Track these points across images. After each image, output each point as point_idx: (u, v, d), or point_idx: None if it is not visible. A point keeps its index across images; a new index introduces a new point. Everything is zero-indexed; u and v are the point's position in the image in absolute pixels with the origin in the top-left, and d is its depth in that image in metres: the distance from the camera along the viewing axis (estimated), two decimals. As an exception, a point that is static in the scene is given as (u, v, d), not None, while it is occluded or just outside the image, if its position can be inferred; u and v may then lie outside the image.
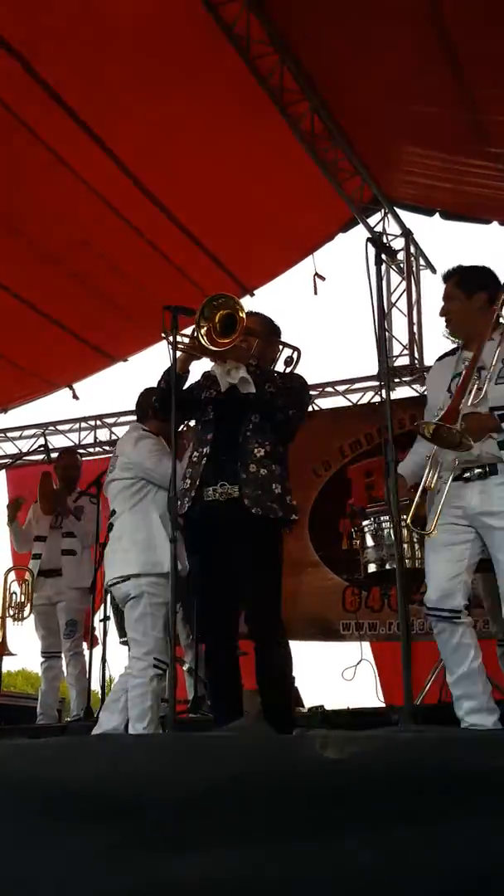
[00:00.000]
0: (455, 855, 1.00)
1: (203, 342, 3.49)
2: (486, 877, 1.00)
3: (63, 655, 6.00)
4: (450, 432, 3.15)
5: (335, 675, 5.76)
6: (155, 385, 3.77)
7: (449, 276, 3.59)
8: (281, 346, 3.96)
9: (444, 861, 1.00)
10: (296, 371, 3.96)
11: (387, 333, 7.38)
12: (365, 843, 1.03)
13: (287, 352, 3.98)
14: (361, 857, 1.02)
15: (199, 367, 3.80)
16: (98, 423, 9.05)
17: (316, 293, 7.38)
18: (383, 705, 5.32)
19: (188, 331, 3.67)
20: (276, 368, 3.92)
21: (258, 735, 1.55)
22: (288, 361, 3.96)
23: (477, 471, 3.27)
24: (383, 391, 3.20)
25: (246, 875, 1.05)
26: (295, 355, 3.98)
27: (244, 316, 3.48)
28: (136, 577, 4.04)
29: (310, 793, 1.11)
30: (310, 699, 5.73)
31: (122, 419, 8.98)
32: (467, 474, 3.28)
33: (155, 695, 3.92)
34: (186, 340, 3.64)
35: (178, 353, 3.63)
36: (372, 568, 5.20)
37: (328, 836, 1.06)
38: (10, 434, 9.48)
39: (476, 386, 3.27)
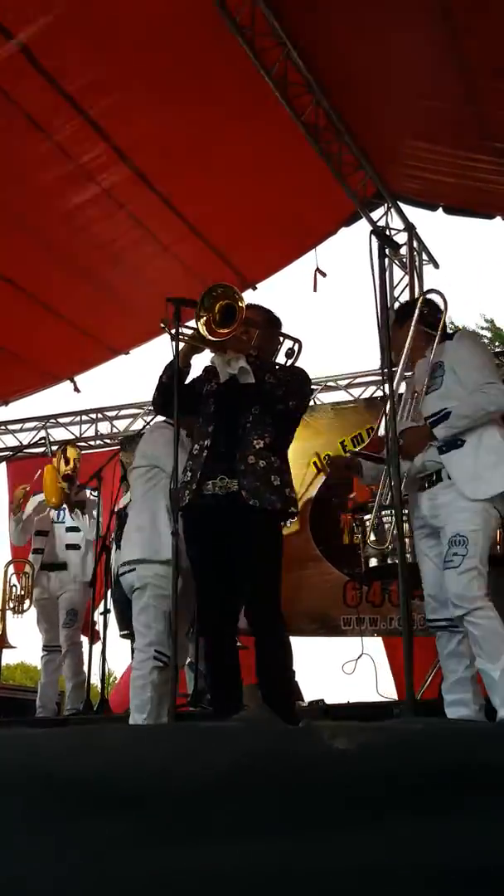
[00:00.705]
0: (464, 848, 1.00)
1: (203, 332, 3.50)
2: (495, 870, 0.99)
3: (61, 646, 6.00)
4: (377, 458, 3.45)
5: (335, 669, 5.77)
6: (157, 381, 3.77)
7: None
8: (282, 338, 3.96)
9: (452, 853, 0.99)
10: (297, 363, 3.96)
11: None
12: (373, 834, 1.02)
13: (288, 343, 3.98)
14: (369, 848, 1.01)
15: (201, 363, 3.81)
16: (99, 416, 9.04)
17: (315, 290, 7.37)
18: (384, 699, 5.32)
19: (190, 323, 3.68)
20: (278, 360, 3.92)
21: (265, 724, 1.54)
22: (289, 353, 3.96)
23: (426, 480, 3.47)
24: (385, 386, 3.19)
25: (253, 866, 1.04)
26: (296, 347, 3.98)
27: (243, 306, 3.49)
28: (140, 566, 4.04)
29: (318, 783, 1.11)
30: (310, 693, 5.74)
31: (124, 412, 8.97)
32: (422, 484, 3.48)
33: (154, 686, 3.91)
34: (188, 333, 3.64)
35: (181, 347, 3.63)
36: (373, 562, 5.20)
37: (336, 827, 1.05)
38: (10, 427, 9.47)
39: (412, 406, 3.53)
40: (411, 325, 3.63)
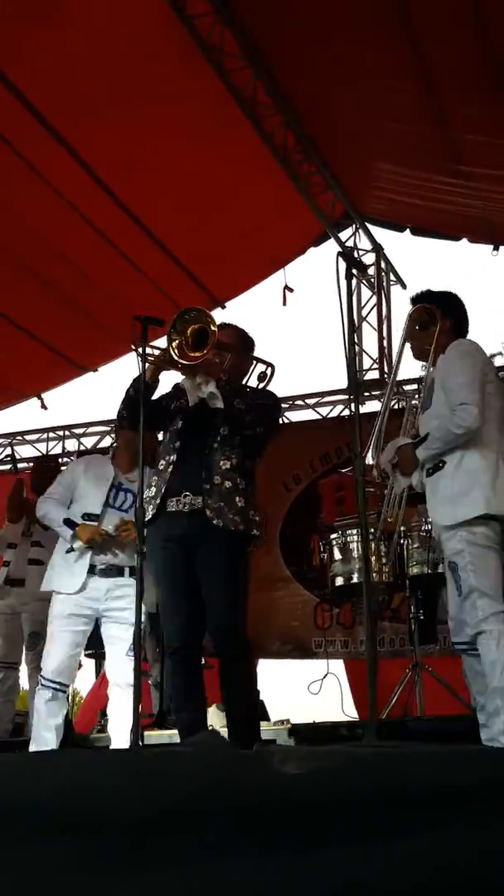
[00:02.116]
0: (411, 874, 0.99)
1: (174, 355, 3.48)
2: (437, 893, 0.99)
3: (25, 666, 5.93)
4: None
5: (301, 688, 5.75)
6: (124, 394, 3.75)
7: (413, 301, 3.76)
8: (254, 361, 3.95)
9: (399, 879, 0.99)
10: (268, 387, 3.96)
11: (357, 347, 7.41)
12: (321, 860, 1.01)
13: (261, 367, 3.97)
14: (317, 874, 1.00)
15: (170, 378, 3.79)
16: (66, 433, 8.99)
17: (285, 304, 7.41)
18: (351, 719, 5.31)
19: (160, 342, 3.66)
20: (250, 383, 3.91)
21: (216, 750, 1.53)
22: (261, 377, 3.95)
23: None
24: (353, 405, 3.20)
25: (200, 892, 1.03)
26: (269, 371, 3.97)
27: (216, 330, 3.47)
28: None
29: (267, 809, 1.09)
30: (276, 713, 5.71)
31: (91, 429, 8.93)
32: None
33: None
34: (157, 352, 3.62)
35: (148, 364, 3.61)
36: (339, 581, 5.20)
37: (284, 852, 1.04)
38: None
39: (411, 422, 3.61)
40: (436, 330, 3.59)
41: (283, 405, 7.40)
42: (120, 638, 4.13)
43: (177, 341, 3.48)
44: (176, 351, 3.47)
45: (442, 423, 3.32)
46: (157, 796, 1.14)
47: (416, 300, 3.70)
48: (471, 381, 3.31)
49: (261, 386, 3.92)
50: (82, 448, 8.81)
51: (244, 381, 3.87)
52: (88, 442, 8.87)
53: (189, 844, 1.07)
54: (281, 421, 7.35)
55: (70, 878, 1.06)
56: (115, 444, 4.84)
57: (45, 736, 4.07)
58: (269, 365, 3.95)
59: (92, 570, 4.17)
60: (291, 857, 1.03)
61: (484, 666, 3.11)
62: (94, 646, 5.87)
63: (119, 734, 4.03)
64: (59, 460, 7.53)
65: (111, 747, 4.12)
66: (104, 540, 4.16)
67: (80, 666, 4.65)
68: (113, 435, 8.74)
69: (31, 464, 6.89)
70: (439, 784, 1.06)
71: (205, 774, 1.19)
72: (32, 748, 4.09)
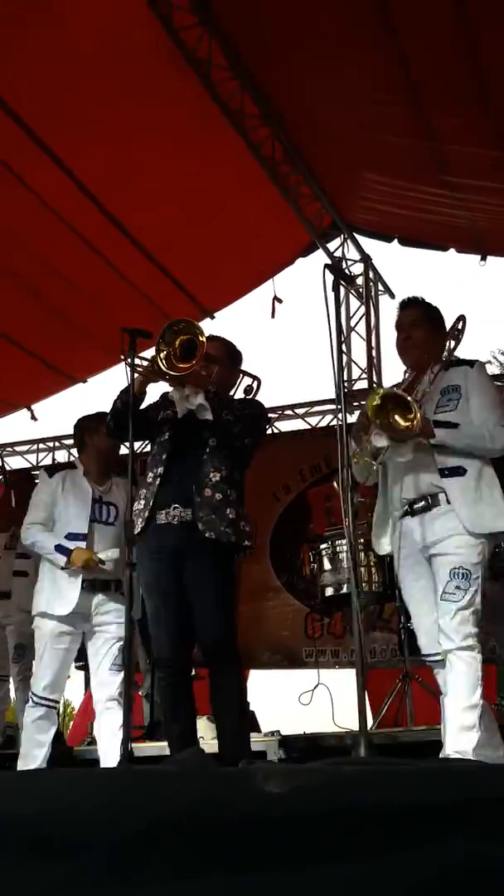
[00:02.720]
0: (391, 890, 0.99)
1: (162, 366, 3.49)
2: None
3: (12, 680, 5.91)
4: (405, 403, 3.23)
5: (292, 699, 5.74)
6: (110, 406, 3.75)
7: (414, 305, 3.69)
8: (241, 375, 3.97)
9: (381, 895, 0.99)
10: (255, 399, 3.97)
11: (345, 357, 7.43)
12: (303, 878, 1.01)
13: (247, 380, 3.99)
14: (300, 892, 1.00)
15: (157, 389, 3.79)
16: (56, 444, 8.98)
17: (273, 316, 7.43)
18: (342, 730, 5.30)
19: (149, 353, 3.66)
20: (236, 397, 3.92)
21: (200, 768, 1.53)
22: (248, 390, 3.97)
23: (421, 504, 3.35)
24: (341, 415, 3.20)
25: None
26: (255, 385, 3.98)
27: (204, 341, 3.48)
28: None
29: (250, 827, 1.09)
30: (266, 724, 5.69)
31: (81, 440, 8.90)
32: (415, 506, 3.36)
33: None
34: (146, 363, 3.62)
35: (136, 376, 3.62)
36: (329, 591, 5.20)
37: (267, 870, 1.04)
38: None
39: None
40: (445, 335, 3.61)
41: (272, 415, 7.42)
42: (105, 653, 4.12)
43: (165, 352, 3.48)
44: (164, 362, 3.48)
45: (479, 431, 3.30)
46: (140, 815, 1.14)
47: (419, 303, 3.66)
48: (501, 403, 3.43)
49: (248, 398, 3.94)
50: (72, 459, 8.79)
51: (231, 394, 3.88)
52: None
53: (172, 863, 1.07)
54: (270, 431, 7.38)
55: (63, 894, 1.06)
56: (75, 459, 4.76)
57: (34, 753, 4.06)
58: (255, 378, 3.96)
59: (80, 585, 4.14)
60: (274, 875, 1.03)
61: (457, 681, 3.09)
62: (85, 658, 5.87)
63: (106, 753, 4.00)
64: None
65: (100, 765, 4.09)
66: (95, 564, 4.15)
67: (69, 677, 4.63)
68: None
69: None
70: (424, 801, 1.06)
71: (188, 793, 1.19)
72: (20, 765, 4.07)
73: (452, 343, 3.61)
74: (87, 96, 5.53)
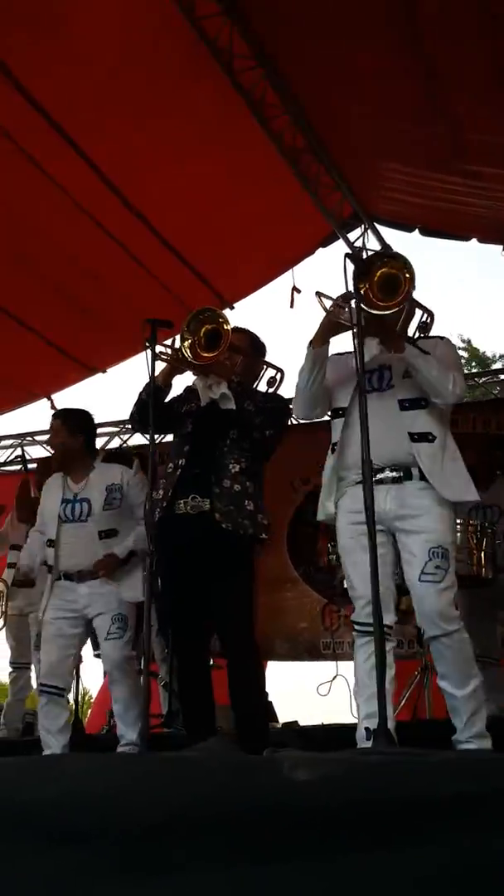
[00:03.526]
0: (419, 880, 0.99)
1: (187, 355, 3.50)
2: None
3: (33, 668, 5.95)
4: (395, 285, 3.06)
5: (310, 690, 5.75)
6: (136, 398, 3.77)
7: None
8: (265, 366, 3.97)
9: (411, 887, 0.98)
10: (278, 392, 3.97)
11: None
12: (333, 866, 1.01)
13: (271, 372, 3.99)
14: (329, 880, 1.00)
15: (182, 381, 3.81)
16: (76, 433, 8.98)
17: (292, 306, 7.40)
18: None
19: (171, 342, 3.68)
20: (259, 388, 3.92)
21: (225, 756, 1.53)
22: (271, 382, 3.97)
23: (391, 475, 3.17)
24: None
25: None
26: (278, 377, 3.99)
27: (229, 330, 3.50)
28: None
29: (276, 816, 1.09)
30: (284, 715, 5.71)
31: (101, 430, 8.92)
32: (380, 476, 3.14)
33: None
34: (169, 352, 3.64)
35: (163, 367, 3.64)
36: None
37: (295, 859, 1.04)
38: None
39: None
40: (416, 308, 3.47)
41: (291, 407, 7.39)
42: (105, 629, 4.11)
43: (189, 341, 3.50)
44: (188, 351, 3.50)
45: (446, 371, 3.20)
46: (164, 802, 1.14)
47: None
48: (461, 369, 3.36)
49: (270, 391, 3.94)
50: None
51: (254, 386, 3.88)
52: (98, 442, 8.87)
53: (197, 851, 1.07)
54: (289, 422, 7.35)
55: (77, 885, 1.06)
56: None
57: (46, 740, 4.08)
58: (278, 370, 3.97)
59: (70, 577, 4.17)
60: (300, 864, 1.03)
61: (455, 666, 3.03)
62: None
63: (121, 730, 4.08)
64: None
65: (120, 742, 4.12)
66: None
67: (80, 661, 4.64)
68: (123, 436, 8.80)
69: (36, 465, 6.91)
70: (450, 791, 1.06)
71: (213, 780, 1.19)
72: (45, 751, 4.11)
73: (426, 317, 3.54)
74: (110, 87, 5.53)
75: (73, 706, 6.78)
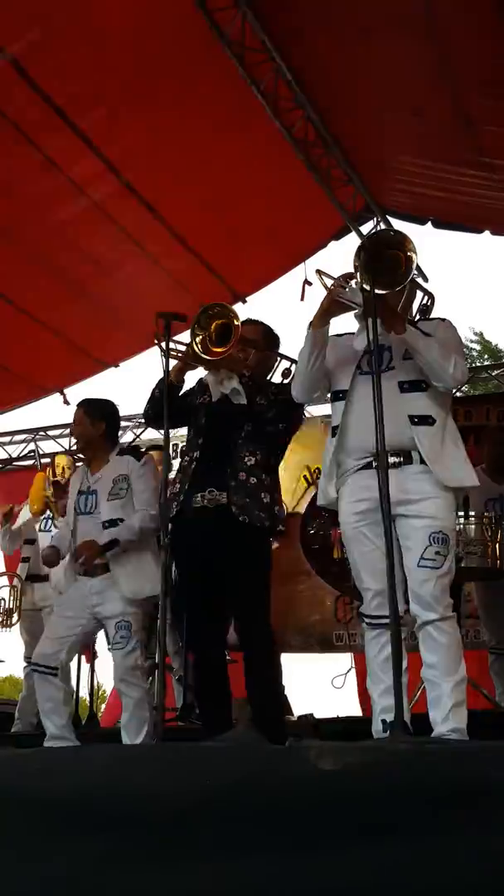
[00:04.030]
0: (453, 867, 0.99)
1: (197, 350, 3.50)
2: (477, 889, 0.98)
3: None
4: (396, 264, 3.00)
5: (324, 683, 5.75)
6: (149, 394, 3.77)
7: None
8: (279, 358, 3.95)
9: (441, 873, 0.99)
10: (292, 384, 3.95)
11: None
12: (360, 855, 1.01)
13: (285, 363, 3.97)
14: (357, 868, 1.00)
15: (194, 376, 3.81)
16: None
17: (303, 299, 7.38)
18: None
19: (183, 337, 3.67)
20: (274, 380, 3.91)
21: (251, 746, 1.53)
22: (285, 374, 3.95)
23: (392, 459, 3.05)
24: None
25: (238, 886, 1.03)
26: (293, 368, 3.96)
27: (239, 325, 3.49)
28: None
29: (303, 804, 1.10)
30: (299, 708, 5.71)
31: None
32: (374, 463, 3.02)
33: None
34: (181, 347, 3.64)
35: (175, 363, 3.63)
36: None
37: (322, 848, 1.04)
38: (0, 439, 9.44)
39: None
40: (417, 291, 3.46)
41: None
42: (118, 646, 4.05)
43: (200, 336, 3.50)
44: (199, 346, 3.49)
45: (447, 354, 3.14)
46: (193, 791, 1.15)
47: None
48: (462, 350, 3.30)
49: (285, 382, 3.92)
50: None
51: (268, 378, 3.87)
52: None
53: (222, 840, 1.08)
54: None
55: (111, 869, 1.07)
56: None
57: (44, 723, 4.05)
58: (293, 362, 3.95)
59: (84, 572, 4.14)
60: (329, 852, 1.03)
61: (446, 654, 2.97)
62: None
63: (126, 735, 4.02)
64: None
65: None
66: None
67: (79, 651, 4.62)
68: (136, 430, 8.81)
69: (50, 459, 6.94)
70: (480, 779, 1.06)
71: (241, 770, 1.19)
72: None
73: (427, 299, 3.52)
74: (121, 78, 5.53)
75: (87, 700, 6.81)
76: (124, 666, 4.02)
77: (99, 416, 4.33)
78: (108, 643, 4.13)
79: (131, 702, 4.02)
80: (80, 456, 4.75)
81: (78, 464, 4.74)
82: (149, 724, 3.94)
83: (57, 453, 7.84)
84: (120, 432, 8.72)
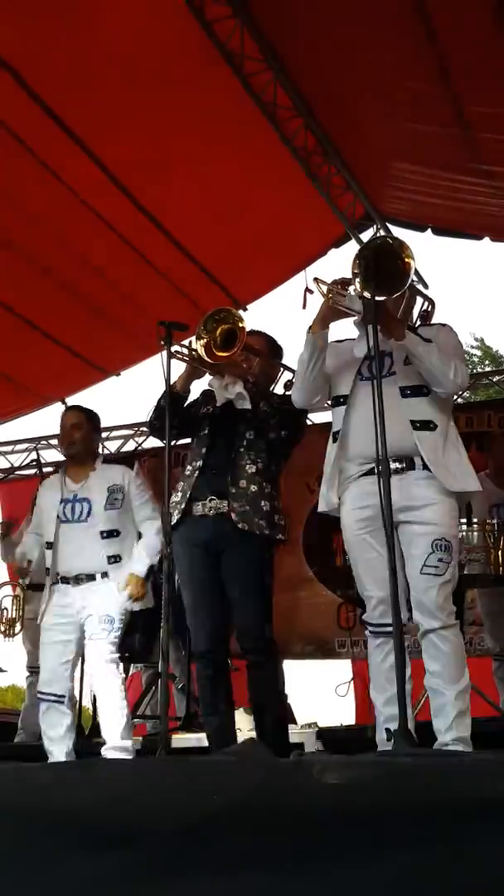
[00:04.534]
0: (451, 883, 0.99)
1: (202, 354, 3.52)
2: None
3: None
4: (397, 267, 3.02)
5: (328, 691, 5.75)
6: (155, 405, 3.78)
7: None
8: (282, 369, 3.97)
9: (441, 888, 0.98)
10: None
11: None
12: (367, 868, 1.01)
13: (288, 375, 3.98)
14: (363, 882, 1.00)
15: (200, 386, 3.83)
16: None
17: (305, 307, 7.39)
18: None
19: (188, 341, 3.70)
20: (277, 391, 3.92)
21: (258, 759, 1.53)
22: (287, 385, 3.96)
23: (394, 465, 3.06)
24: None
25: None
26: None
27: (244, 327, 3.51)
28: None
29: (308, 818, 1.10)
30: (303, 716, 5.71)
31: (115, 433, 8.95)
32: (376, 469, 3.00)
33: None
34: (185, 351, 3.66)
35: (181, 371, 3.66)
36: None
37: (327, 862, 1.04)
38: (1, 448, 9.45)
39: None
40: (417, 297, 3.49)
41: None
42: (99, 636, 4.09)
43: (205, 340, 3.52)
44: (203, 349, 3.51)
45: (447, 360, 3.14)
46: (201, 805, 1.14)
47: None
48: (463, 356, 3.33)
49: (288, 393, 3.93)
50: (106, 452, 8.84)
51: (271, 389, 3.89)
52: (112, 445, 8.90)
53: (232, 853, 1.07)
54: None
55: (119, 884, 1.07)
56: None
57: (49, 749, 4.09)
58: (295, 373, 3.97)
59: (66, 581, 4.17)
60: (333, 866, 1.03)
61: (449, 662, 2.96)
62: (121, 649, 5.91)
63: (107, 729, 4.06)
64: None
65: (104, 746, 4.11)
66: None
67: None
68: (137, 439, 8.82)
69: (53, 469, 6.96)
70: (487, 793, 1.06)
71: (248, 784, 1.19)
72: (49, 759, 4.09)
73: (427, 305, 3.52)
74: (121, 89, 5.54)
75: (90, 710, 6.80)
76: (103, 656, 4.06)
77: (96, 424, 4.46)
78: (87, 637, 4.13)
79: (107, 693, 4.06)
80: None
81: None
82: (127, 714, 4.03)
83: (59, 462, 7.85)
84: (121, 441, 8.80)
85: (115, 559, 4.18)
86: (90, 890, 1.07)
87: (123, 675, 4.22)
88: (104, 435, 8.91)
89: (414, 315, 3.46)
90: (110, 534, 4.15)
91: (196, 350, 3.56)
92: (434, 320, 3.50)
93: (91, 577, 4.15)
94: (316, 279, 3.32)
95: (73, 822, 1.14)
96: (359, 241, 7.42)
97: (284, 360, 3.99)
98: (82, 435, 4.36)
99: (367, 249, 3.16)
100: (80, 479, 4.28)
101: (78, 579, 4.15)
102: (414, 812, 1.05)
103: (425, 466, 3.11)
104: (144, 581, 4.14)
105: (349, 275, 3.16)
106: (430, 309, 3.50)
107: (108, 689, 4.09)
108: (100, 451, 4.63)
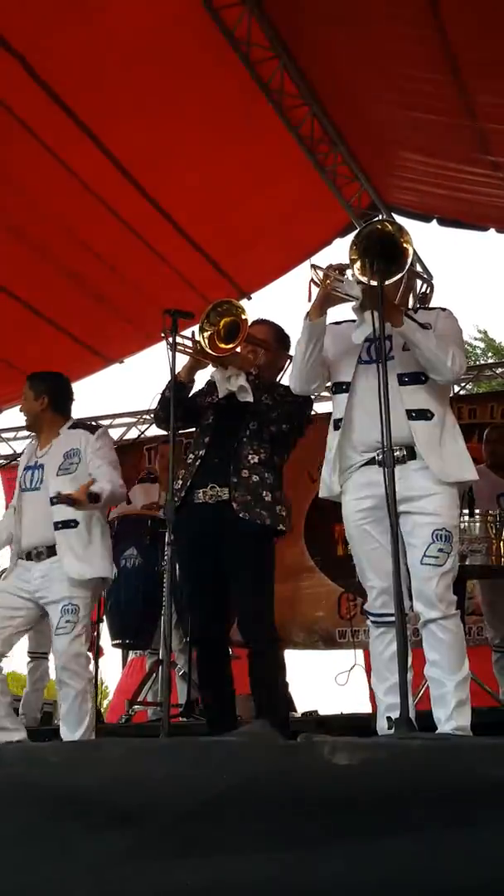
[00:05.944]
0: (462, 864, 1.00)
1: (204, 346, 3.52)
2: (492, 886, 0.99)
3: (51, 657, 5.98)
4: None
5: (328, 680, 5.76)
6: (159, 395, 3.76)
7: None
8: (289, 359, 3.95)
9: (456, 869, 0.99)
10: None
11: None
12: (372, 850, 1.02)
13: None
14: (372, 864, 1.01)
15: (205, 376, 3.82)
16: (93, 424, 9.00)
17: (310, 299, 7.38)
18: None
19: (190, 332, 3.69)
20: (283, 381, 3.90)
21: (266, 740, 1.53)
22: None
23: (395, 454, 3.00)
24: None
25: (252, 882, 1.04)
26: None
27: (247, 319, 3.50)
28: None
29: (318, 799, 1.11)
30: (303, 704, 5.73)
31: (118, 421, 8.95)
32: (383, 456, 2.97)
33: None
34: (188, 343, 3.65)
35: (182, 360, 3.65)
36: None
37: (335, 842, 1.05)
38: (3, 435, 9.45)
39: None
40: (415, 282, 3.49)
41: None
42: (63, 631, 3.79)
43: (208, 332, 3.51)
44: (206, 342, 3.51)
45: (445, 347, 3.11)
46: (209, 785, 1.15)
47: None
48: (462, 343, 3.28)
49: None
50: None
51: (278, 379, 3.87)
52: (115, 433, 8.89)
53: (240, 832, 1.08)
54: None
55: (127, 863, 1.07)
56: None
57: None
58: None
59: (29, 557, 3.90)
60: (345, 847, 1.04)
61: (449, 652, 2.95)
62: (122, 636, 5.94)
63: (67, 729, 3.77)
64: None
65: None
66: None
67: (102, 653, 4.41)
68: (140, 427, 8.82)
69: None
70: (490, 774, 1.07)
71: (255, 764, 1.20)
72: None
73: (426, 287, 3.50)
74: (127, 77, 5.53)
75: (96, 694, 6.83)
76: (69, 653, 3.75)
77: (41, 389, 4.16)
78: (53, 631, 3.84)
79: (72, 692, 3.76)
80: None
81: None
82: (90, 718, 3.74)
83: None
84: (124, 429, 8.79)
85: (65, 525, 3.84)
86: (104, 868, 1.08)
87: (91, 675, 3.92)
88: (107, 423, 8.95)
89: (411, 299, 3.45)
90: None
91: (200, 342, 3.56)
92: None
93: (51, 552, 3.85)
94: (313, 265, 3.30)
95: (80, 801, 1.15)
96: (364, 231, 7.42)
97: (291, 350, 3.98)
98: (25, 406, 4.18)
99: (364, 234, 3.13)
100: (44, 446, 4.08)
101: (38, 555, 3.88)
102: (427, 793, 1.06)
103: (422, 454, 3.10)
104: (91, 501, 3.74)
105: (347, 260, 3.15)
106: (428, 291, 3.48)
107: (71, 689, 3.78)
108: (67, 411, 4.26)
